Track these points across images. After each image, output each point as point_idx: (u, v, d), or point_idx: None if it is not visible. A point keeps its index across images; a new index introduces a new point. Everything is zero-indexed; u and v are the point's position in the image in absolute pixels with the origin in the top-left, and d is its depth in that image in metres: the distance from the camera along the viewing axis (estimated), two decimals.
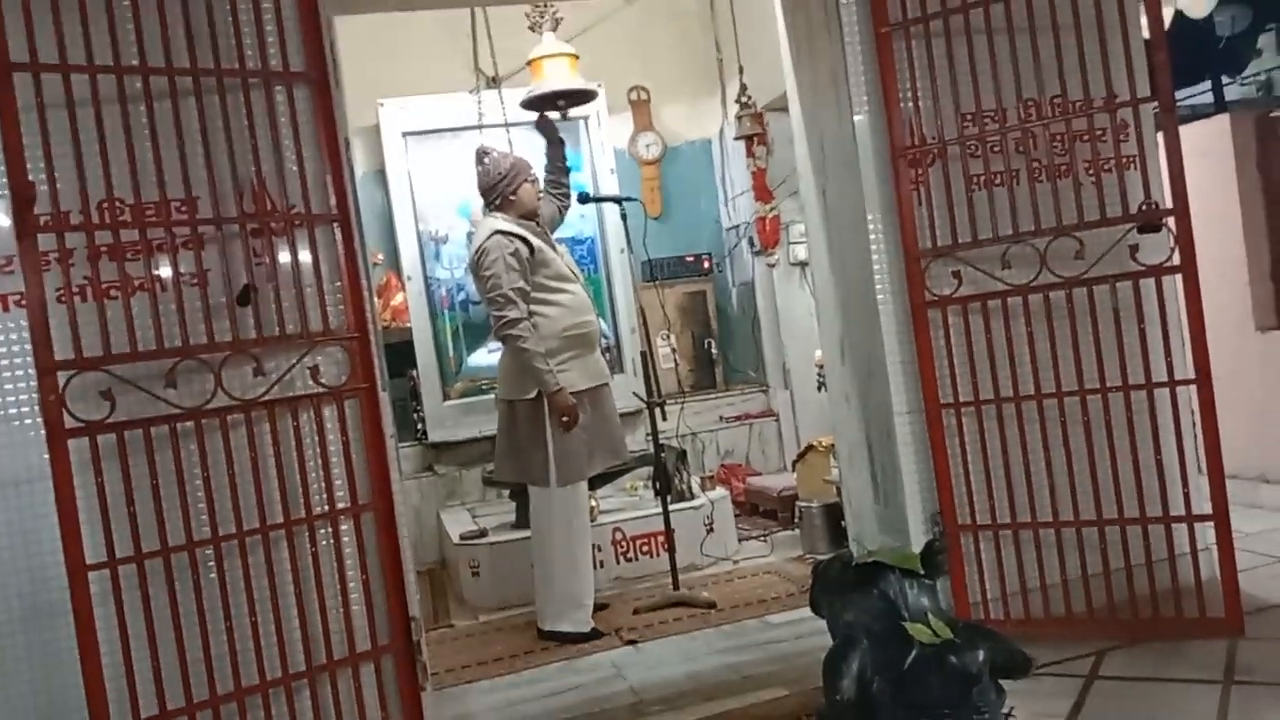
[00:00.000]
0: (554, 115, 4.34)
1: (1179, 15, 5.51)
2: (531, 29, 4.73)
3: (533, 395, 3.70)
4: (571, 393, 3.68)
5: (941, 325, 3.23)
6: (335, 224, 2.78)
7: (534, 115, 4.33)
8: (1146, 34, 3.06)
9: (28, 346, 2.41)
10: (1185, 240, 2.99)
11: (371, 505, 2.80)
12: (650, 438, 4.15)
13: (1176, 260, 3.02)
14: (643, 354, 4.23)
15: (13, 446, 2.52)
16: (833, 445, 4.32)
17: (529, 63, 4.74)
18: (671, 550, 4.15)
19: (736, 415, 6.10)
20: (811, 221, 3.89)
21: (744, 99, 5.66)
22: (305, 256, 2.74)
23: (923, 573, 1.70)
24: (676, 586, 4.11)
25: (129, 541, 2.46)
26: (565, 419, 3.63)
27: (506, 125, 5.23)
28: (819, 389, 4.86)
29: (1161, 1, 3.01)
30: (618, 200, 4.35)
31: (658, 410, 4.11)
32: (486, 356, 5.46)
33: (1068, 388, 3.15)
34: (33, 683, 2.54)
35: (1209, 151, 4.44)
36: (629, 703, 3.09)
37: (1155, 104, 3.05)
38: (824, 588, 1.79)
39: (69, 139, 2.44)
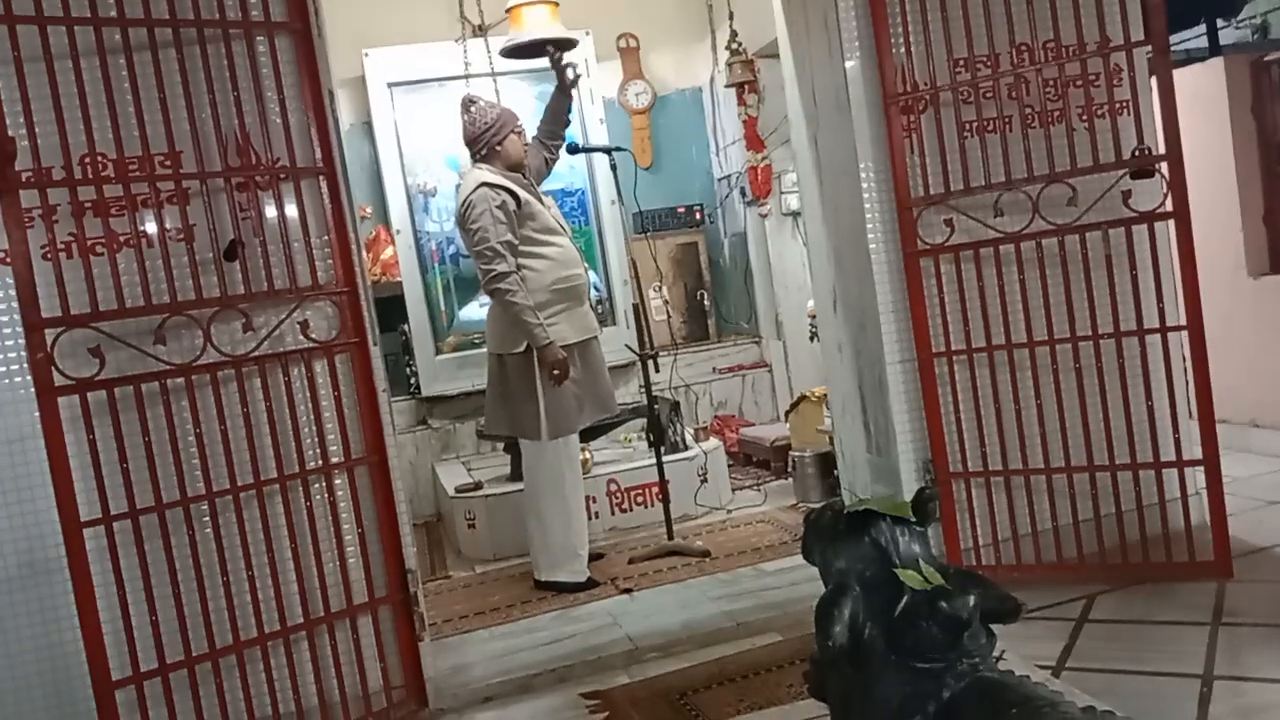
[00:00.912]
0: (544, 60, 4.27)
1: None
2: None
3: (522, 349, 3.68)
4: (561, 346, 3.67)
5: (934, 274, 3.22)
6: (321, 177, 2.75)
7: (524, 63, 4.26)
8: None
9: (15, 305, 2.39)
10: (1178, 186, 2.98)
11: (366, 459, 2.81)
12: (643, 390, 4.15)
13: (1169, 206, 3.01)
14: (635, 306, 4.21)
15: (2, 405, 2.52)
16: (825, 395, 4.34)
17: (508, 10, 4.67)
18: (666, 501, 4.18)
19: (729, 366, 6.10)
20: (803, 170, 3.86)
21: (734, 45, 5.59)
22: (292, 210, 2.72)
23: (914, 520, 1.70)
24: (671, 536, 4.14)
25: (124, 498, 2.47)
26: (556, 373, 3.63)
27: (494, 75, 5.16)
28: (811, 339, 4.87)
29: None
30: (607, 151, 4.30)
31: (650, 362, 4.11)
32: (478, 310, 5.43)
33: (1060, 335, 3.15)
34: (34, 639, 2.57)
35: (1203, 96, 4.40)
36: (625, 650, 3.13)
37: (1149, 48, 3.01)
38: (816, 536, 1.79)
39: (48, 93, 2.41)
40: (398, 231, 5.48)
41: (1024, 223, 3.12)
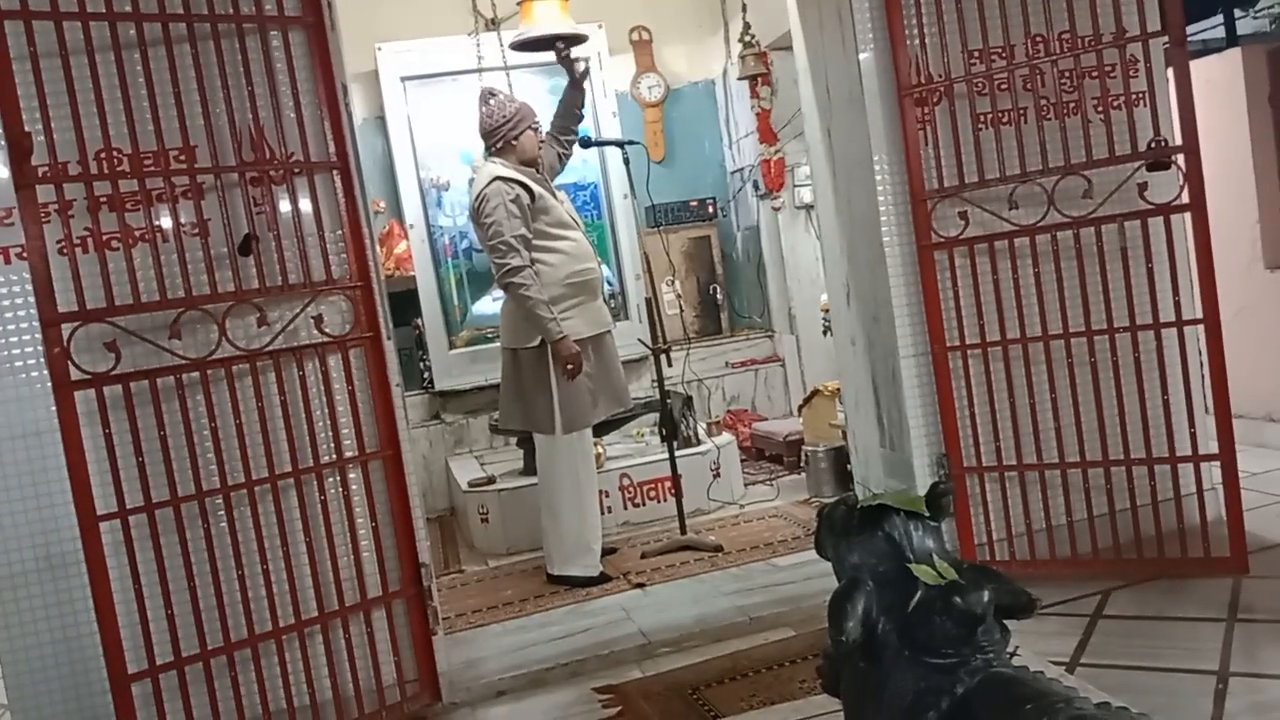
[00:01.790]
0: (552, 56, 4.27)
1: None
2: None
3: (536, 343, 3.69)
4: (575, 340, 3.67)
5: (948, 267, 3.21)
6: (335, 171, 2.75)
7: (538, 57, 4.25)
8: None
9: (31, 299, 2.41)
10: (1194, 178, 2.95)
11: (380, 453, 2.82)
12: (656, 384, 4.15)
13: (1185, 198, 2.98)
14: (647, 300, 4.21)
15: (20, 400, 2.54)
16: (838, 389, 4.33)
17: (519, 3, 4.66)
18: (678, 495, 4.18)
19: (742, 361, 6.10)
20: (816, 163, 3.85)
21: (747, 38, 5.57)
22: (306, 205, 2.73)
23: (928, 515, 1.69)
24: (684, 530, 4.14)
25: (139, 492, 2.48)
26: (570, 367, 3.63)
27: (506, 69, 5.16)
28: (825, 333, 4.85)
29: None
30: (620, 144, 4.30)
31: (663, 357, 4.11)
32: (491, 305, 5.44)
33: (1075, 328, 3.13)
34: (51, 632, 2.59)
35: (1220, 87, 4.36)
36: (638, 645, 3.13)
37: (1165, 38, 2.98)
38: (829, 530, 1.79)
39: (64, 89, 2.42)
40: (411, 226, 5.49)
41: (1039, 215, 3.10)
